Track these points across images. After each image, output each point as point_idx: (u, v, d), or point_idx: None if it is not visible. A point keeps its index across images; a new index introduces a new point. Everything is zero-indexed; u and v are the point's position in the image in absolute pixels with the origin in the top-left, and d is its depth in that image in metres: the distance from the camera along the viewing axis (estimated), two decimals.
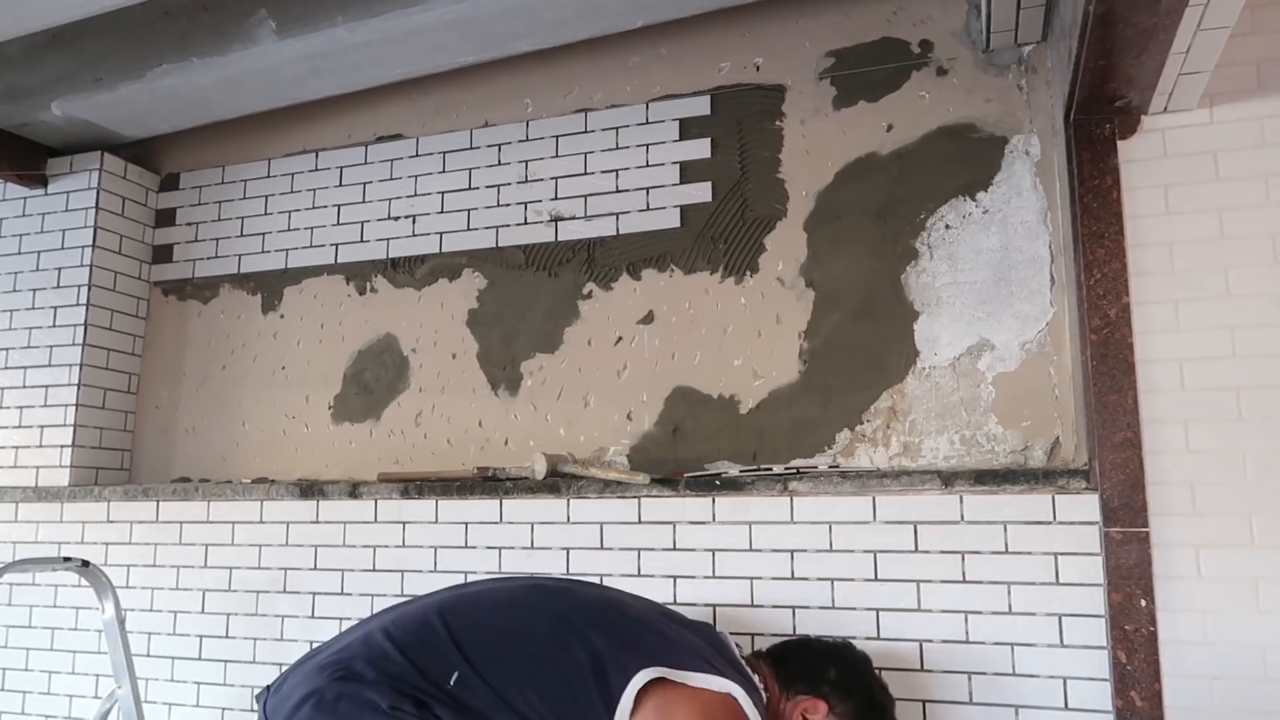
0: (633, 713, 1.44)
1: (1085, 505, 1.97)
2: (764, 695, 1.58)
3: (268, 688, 1.55)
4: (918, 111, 2.42)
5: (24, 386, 3.01)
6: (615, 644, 1.51)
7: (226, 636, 2.63)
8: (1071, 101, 1.97)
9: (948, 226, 2.35)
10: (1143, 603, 1.86)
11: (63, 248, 3.05)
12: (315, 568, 2.56)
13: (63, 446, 2.92)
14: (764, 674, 1.63)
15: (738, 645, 1.75)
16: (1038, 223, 2.28)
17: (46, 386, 2.98)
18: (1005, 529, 2.02)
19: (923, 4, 2.46)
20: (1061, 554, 1.98)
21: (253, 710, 2.57)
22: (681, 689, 1.46)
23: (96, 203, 3.04)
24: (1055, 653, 1.96)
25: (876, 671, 1.76)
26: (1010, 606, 1.99)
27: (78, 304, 2.99)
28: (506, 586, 1.69)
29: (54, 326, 3.01)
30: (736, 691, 1.48)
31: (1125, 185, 2.00)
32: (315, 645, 1.65)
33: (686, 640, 1.58)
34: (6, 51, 2.80)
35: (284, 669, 1.66)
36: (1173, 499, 1.90)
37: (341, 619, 2.50)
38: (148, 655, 2.69)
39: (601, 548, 2.30)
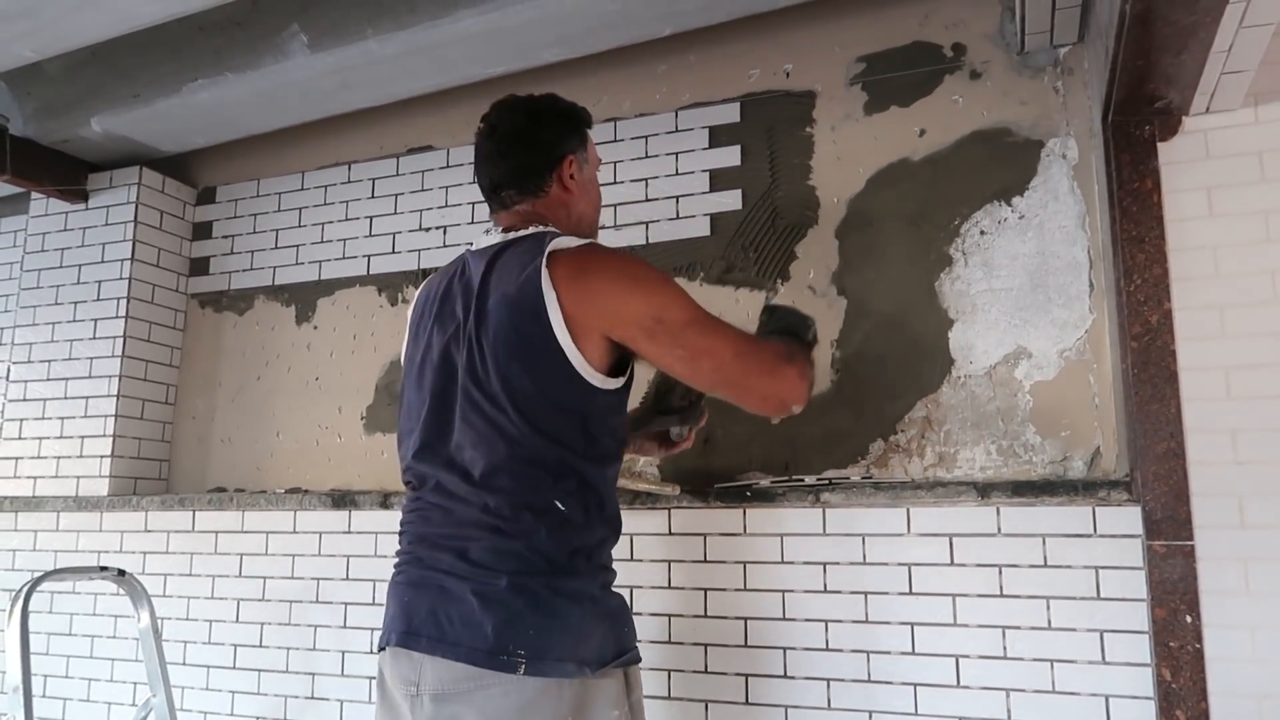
0: (557, 295, 1.50)
1: (1127, 518, 1.91)
2: (551, 224, 1.65)
3: (384, 640, 1.52)
4: (951, 116, 2.38)
5: (65, 397, 3.07)
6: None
7: (260, 645, 2.65)
8: (1109, 103, 1.92)
9: (983, 232, 2.31)
10: (1188, 618, 1.80)
11: (102, 261, 3.11)
12: (347, 578, 2.57)
13: (102, 457, 2.97)
14: (525, 212, 1.66)
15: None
16: (1075, 227, 2.23)
17: (87, 397, 3.04)
18: (1044, 542, 1.96)
19: (955, 7, 2.42)
20: (1103, 568, 1.92)
21: None
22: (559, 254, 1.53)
23: (135, 217, 3.10)
24: (1097, 670, 1.90)
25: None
26: (1050, 622, 1.94)
27: (117, 316, 3.05)
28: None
29: (94, 338, 3.06)
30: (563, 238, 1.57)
31: (1166, 188, 1.95)
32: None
33: None
34: (47, 69, 2.86)
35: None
36: (1219, 511, 1.84)
37: (373, 629, 2.50)
38: (183, 664, 2.72)
39: (631, 559, 2.27)
